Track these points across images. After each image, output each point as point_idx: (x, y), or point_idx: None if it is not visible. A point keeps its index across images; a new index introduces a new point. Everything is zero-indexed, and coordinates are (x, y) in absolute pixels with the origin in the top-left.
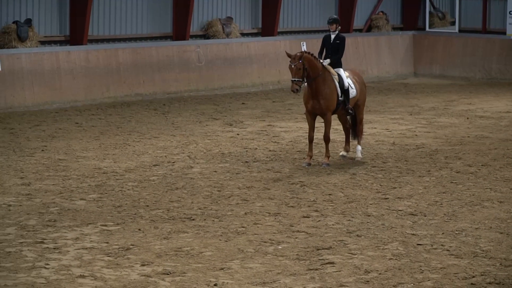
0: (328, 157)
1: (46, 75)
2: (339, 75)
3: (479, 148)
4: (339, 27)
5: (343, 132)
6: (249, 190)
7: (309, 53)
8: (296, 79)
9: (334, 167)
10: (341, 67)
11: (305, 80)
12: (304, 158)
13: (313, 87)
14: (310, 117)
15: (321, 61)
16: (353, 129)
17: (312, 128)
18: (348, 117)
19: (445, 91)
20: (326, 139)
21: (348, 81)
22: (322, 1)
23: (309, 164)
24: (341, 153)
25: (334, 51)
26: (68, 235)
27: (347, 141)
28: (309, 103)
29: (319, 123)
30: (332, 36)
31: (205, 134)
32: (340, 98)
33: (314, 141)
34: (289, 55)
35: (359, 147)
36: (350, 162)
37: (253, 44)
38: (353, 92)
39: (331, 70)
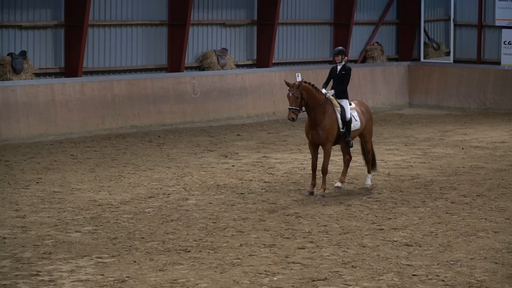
0: (324, 189)
1: (41, 107)
2: (341, 106)
3: (474, 178)
4: (346, 57)
5: (341, 162)
6: (244, 221)
7: (308, 83)
8: (293, 108)
9: (329, 198)
10: (347, 98)
11: (303, 110)
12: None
13: (312, 117)
14: (312, 147)
15: (326, 92)
16: (364, 158)
17: (315, 158)
18: (350, 148)
19: (440, 122)
20: (324, 171)
21: (352, 113)
22: (317, 32)
23: (312, 193)
24: (336, 184)
25: (340, 82)
26: (63, 267)
27: (343, 173)
28: (310, 133)
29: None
30: (338, 67)
31: (200, 166)
32: (341, 130)
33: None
34: (287, 84)
35: (369, 175)
36: (345, 193)
37: (248, 75)
38: (356, 124)
39: (334, 101)
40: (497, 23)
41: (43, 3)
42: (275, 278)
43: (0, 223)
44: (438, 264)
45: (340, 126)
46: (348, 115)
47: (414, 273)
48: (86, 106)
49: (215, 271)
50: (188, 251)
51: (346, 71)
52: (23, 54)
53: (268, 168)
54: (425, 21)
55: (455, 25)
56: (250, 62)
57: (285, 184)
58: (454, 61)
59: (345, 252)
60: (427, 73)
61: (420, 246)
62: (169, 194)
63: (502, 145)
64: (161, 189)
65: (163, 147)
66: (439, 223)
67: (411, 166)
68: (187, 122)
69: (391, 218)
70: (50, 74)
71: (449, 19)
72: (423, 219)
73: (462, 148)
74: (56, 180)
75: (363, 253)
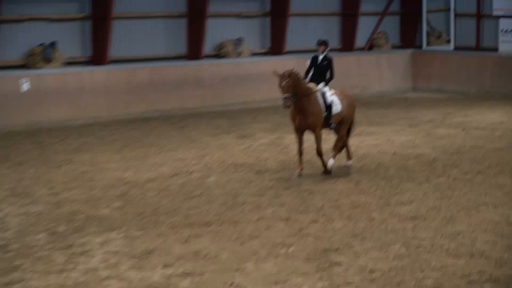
0: (325, 166)
1: (71, 94)
2: (322, 93)
3: (474, 156)
4: (328, 48)
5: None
6: (261, 197)
7: (295, 72)
8: (287, 96)
9: (340, 176)
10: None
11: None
12: (295, 170)
13: (298, 105)
14: (298, 133)
15: (312, 83)
16: (335, 143)
17: (300, 143)
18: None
19: (442, 105)
20: (319, 153)
21: (332, 98)
22: (326, 23)
23: (300, 175)
24: (346, 163)
25: (321, 71)
26: (94, 240)
27: (348, 152)
28: (296, 120)
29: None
30: (320, 57)
31: (219, 146)
32: (324, 113)
33: (303, 155)
34: (278, 75)
35: (331, 160)
36: (355, 171)
37: (263, 63)
38: (337, 108)
39: (316, 87)
40: (495, 13)
41: None
42: (290, 249)
43: (35, 200)
44: (441, 235)
45: (324, 110)
46: (329, 100)
47: (420, 244)
48: (112, 92)
49: (235, 243)
50: (210, 225)
51: (329, 61)
52: (53, 44)
53: (283, 148)
54: (427, 11)
55: (455, 15)
56: (264, 50)
57: None
58: (455, 48)
59: (355, 225)
60: (429, 60)
61: (425, 219)
62: (191, 172)
63: (500, 126)
64: (184, 168)
65: (184, 129)
66: (442, 198)
67: (415, 145)
68: (206, 106)
69: (397, 194)
70: (78, 63)
71: (449, 9)
72: (427, 194)
73: (463, 129)
74: (86, 160)
75: (371, 226)
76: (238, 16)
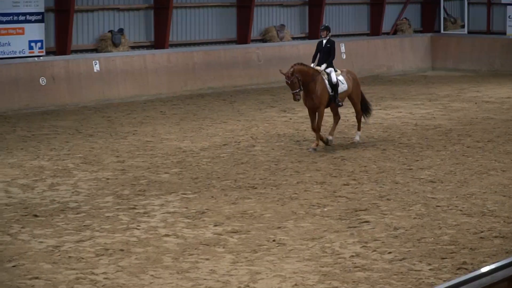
0: (317, 144)
1: (136, 74)
2: (328, 74)
3: (485, 127)
4: (330, 33)
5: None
6: (300, 163)
7: (299, 63)
8: (295, 91)
9: (368, 144)
10: (332, 66)
11: (301, 88)
12: (311, 143)
13: (306, 89)
14: (310, 112)
15: (317, 67)
16: (356, 117)
17: (313, 121)
18: (338, 108)
19: (457, 82)
20: (317, 128)
21: (339, 78)
22: (357, 10)
23: (315, 150)
24: (327, 137)
25: (326, 53)
26: (155, 202)
27: (333, 128)
28: (306, 102)
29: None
30: (324, 41)
31: (264, 119)
32: (330, 94)
33: (319, 131)
34: (283, 73)
35: (359, 133)
36: (381, 140)
37: (302, 46)
38: (344, 87)
39: (321, 69)
40: (503, 1)
41: None
42: (325, 209)
43: (104, 166)
44: (457, 197)
45: (329, 90)
46: (334, 79)
47: (438, 204)
48: (172, 72)
49: (277, 204)
50: (255, 188)
51: (331, 44)
52: (121, 31)
53: None
54: (444, 0)
55: (468, 3)
56: (303, 35)
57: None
58: (468, 32)
59: (381, 187)
60: (446, 43)
61: (442, 182)
62: (239, 142)
63: (508, 100)
64: (233, 138)
65: (234, 104)
66: (457, 164)
67: (434, 117)
68: (253, 84)
69: (418, 160)
70: (142, 47)
71: None
72: (444, 160)
73: (476, 103)
74: (148, 132)
75: (396, 188)
76: (281, 5)
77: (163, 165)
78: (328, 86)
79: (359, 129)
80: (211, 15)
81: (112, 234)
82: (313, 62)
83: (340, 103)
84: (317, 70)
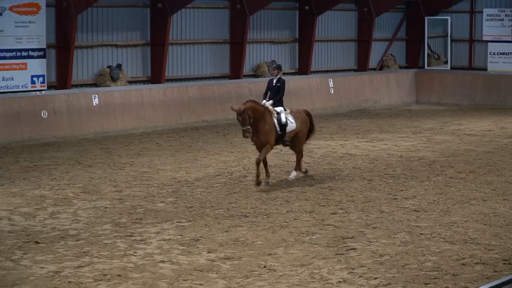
0: (258, 176)
1: (133, 107)
2: (277, 113)
3: (467, 158)
4: (281, 72)
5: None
6: (290, 193)
7: (251, 101)
8: (245, 128)
9: (355, 175)
10: (281, 105)
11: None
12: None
13: (255, 126)
14: (258, 149)
15: (264, 102)
16: (296, 158)
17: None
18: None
19: (441, 115)
20: (258, 162)
21: (288, 117)
22: (345, 47)
23: (267, 183)
24: (292, 175)
25: (276, 92)
26: (151, 230)
27: (298, 165)
28: (254, 140)
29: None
30: (274, 80)
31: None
32: (279, 132)
33: (267, 165)
34: (234, 110)
35: (294, 172)
36: (367, 171)
37: (292, 81)
38: (292, 126)
39: (271, 109)
40: (484, 38)
41: (134, 27)
42: (314, 237)
43: (103, 196)
44: (440, 225)
45: (278, 129)
46: (283, 119)
47: (421, 232)
48: (167, 106)
49: (268, 232)
50: (247, 216)
51: (282, 84)
52: (119, 66)
53: (308, 152)
54: (428, 37)
55: (451, 40)
56: (293, 71)
57: (321, 164)
58: (451, 68)
59: (367, 216)
60: (430, 78)
61: (426, 211)
62: (232, 173)
63: (489, 133)
64: (226, 169)
65: (227, 136)
66: (440, 194)
67: (418, 149)
68: None
69: (403, 190)
70: (139, 82)
71: (447, 35)
72: (428, 190)
73: (458, 135)
74: (145, 163)
75: (381, 217)
76: (272, 42)
77: (159, 195)
78: (277, 125)
79: (296, 169)
80: (206, 52)
81: (110, 260)
82: (264, 99)
83: (287, 142)
84: (268, 109)
